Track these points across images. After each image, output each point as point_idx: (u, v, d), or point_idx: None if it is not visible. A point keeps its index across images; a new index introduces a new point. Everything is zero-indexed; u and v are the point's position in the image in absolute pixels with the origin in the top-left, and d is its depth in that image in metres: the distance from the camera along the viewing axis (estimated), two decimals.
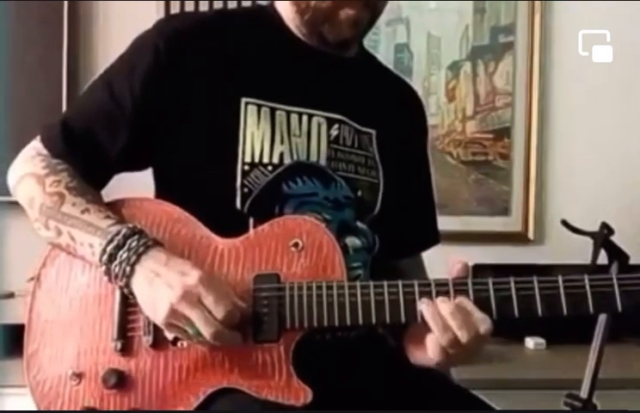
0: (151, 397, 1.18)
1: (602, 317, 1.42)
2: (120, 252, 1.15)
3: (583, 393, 1.41)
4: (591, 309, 1.14)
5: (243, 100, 1.26)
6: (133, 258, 1.15)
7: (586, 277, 1.14)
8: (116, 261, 1.15)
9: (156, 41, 1.27)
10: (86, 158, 1.28)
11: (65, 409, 1.20)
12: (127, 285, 1.16)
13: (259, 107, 1.27)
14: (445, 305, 1.12)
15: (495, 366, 2.15)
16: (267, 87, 1.28)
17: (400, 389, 1.28)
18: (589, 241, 1.41)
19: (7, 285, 2.25)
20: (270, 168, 1.25)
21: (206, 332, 1.10)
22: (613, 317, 1.41)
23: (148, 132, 1.27)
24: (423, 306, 1.13)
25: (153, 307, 1.14)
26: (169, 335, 1.17)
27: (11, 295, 2.22)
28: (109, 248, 1.16)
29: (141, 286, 1.14)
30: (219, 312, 1.10)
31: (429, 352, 1.14)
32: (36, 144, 1.31)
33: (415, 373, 1.28)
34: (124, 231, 1.17)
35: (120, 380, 1.18)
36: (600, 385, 1.42)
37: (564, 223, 1.46)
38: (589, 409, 1.39)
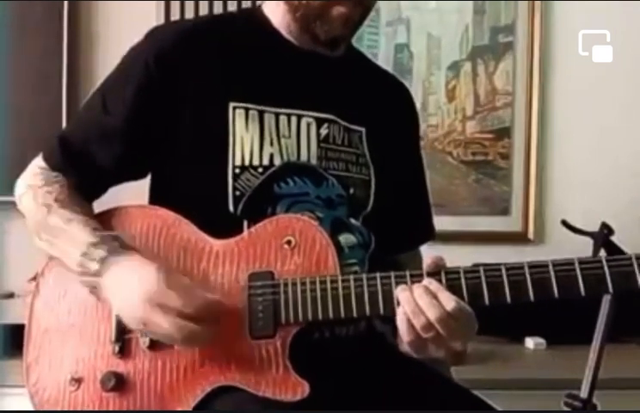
0: (150, 397, 1.19)
1: (602, 317, 1.42)
2: (90, 263, 1.18)
3: (583, 393, 1.41)
4: (582, 291, 1.14)
5: (231, 104, 1.28)
6: (101, 268, 1.17)
7: (576, 260, 1.15)
8: (87, 273, 1.18)
9: (145, 57, 1.29)
10: (81, 171, 1.30)
11: None
12: (97, 295, 1.19)
13: (247, 110, 1.28)
14: (416, 287, 1.14)
15: (495, 366, 2.15)
16: (254, 90, 1.29)
17: (400, 388, 1.28)
18: (589, 241, 1.41)
19: (7, 285, 2.26)
20: (261, 169, 1.26)
21: (179, 337, 1.12)
22: (614, 316, 1.41)
23: (141, 144, 1.29)
24: (399, 290, 1.14)
25: (125, 316, 1.17)
26: (144, 342, 1.20)
27: (11, 295, 2.22)
28: (81, 258, 1.18)
29: (110, 296, 1.17)
30: (188, 309, 1.11)
31: (400, 332, 1.14)
32: (39, 159, 1.34)
33: (414, 372, 1.28)
34: (93, 240, 1.19)
35: (118, 383, 1.19)
36: (599, 385, 1.42)
37: (564, 223, 1.46)
38: (589, 410, 1.39)
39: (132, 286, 1.14)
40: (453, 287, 1.14)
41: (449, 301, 1.12)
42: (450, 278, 1.15)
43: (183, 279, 1.17)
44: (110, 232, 1.22)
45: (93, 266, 1.18)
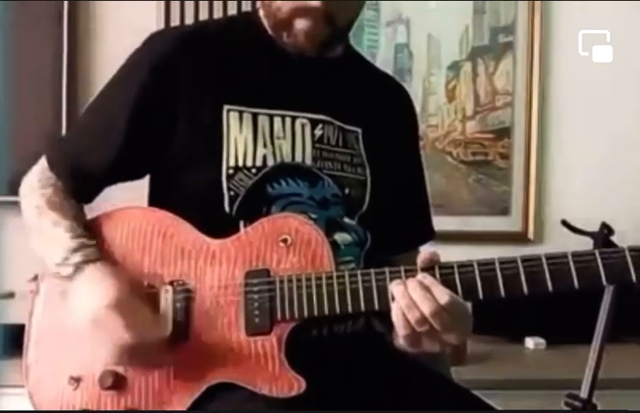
0: (148, 395, 1.20)
1: (602, 317, 1.42)
2: (66, 267, 1.22)
3: (583, 393, 1.41)
4: (576, 283, 1.15)
5: (225, 107, 1.29)
6: (70, 271, 1.21)
7: (569, 254, 1.16)
8: (61, 273, 1.22)
9: (143, 64, 1.31)
10: (74, 174, 1.32)
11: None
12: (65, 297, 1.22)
13: (240, 113, 1.29)
14: (410, 281, 1.14)
15: (495, 366, 2.15)
16: (249, 93, 1.31)
17: (399, 388, 1.28)
18: (589, 241, 1.41)
19: (7, 285, 2.26)
20: (254, 170, 1.27)
21: (115, 361, 1.17)
22: (614, 316, 1.41)
23: (138, 148, 1.31)
24: (393, 285, 1.15)
25: (77, 315, 1.19)
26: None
27: (11, 295, 2.22)
28: (60, 262, 1.22)
29: (72, 295, 1.21)
30: (127, 340, 1.15)
31: (396, 326, 1.15)
32: (44, 159, 1.36)
33: (413, 372, 1.28)
34: (73, 245, 1.23)
35: (116, 381, 1.20)
36: (599, 385, 1.42)
37: (564, 223, 1.46)
38: (589, 410, 1.39)
39: (96, 291, 1.18)
40: (447, 282, 1.15)
41: (443, 295, 1.12)
42: (444, 273, 1.16)
43: (134, 309, 1.18)
44: (90, 241, 1.24)
45: (67, 270, 1.22)
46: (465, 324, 1.16)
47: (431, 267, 1.16)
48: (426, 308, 1.12)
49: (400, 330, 1.14)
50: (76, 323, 1.19)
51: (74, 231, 1.25)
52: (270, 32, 1.35)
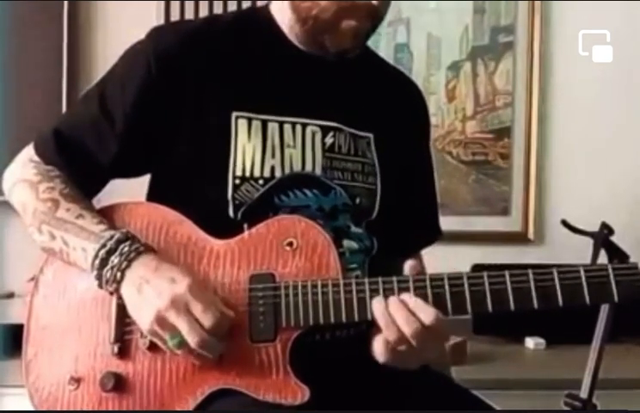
0: (149, 399, 1.18)
1: (602, 317, 1.42)
2: (112, 257, 1.16)
3: (583, 393, 1.41)
4: (587, 299, 1.13)
5: (234, 114, 1.26)
6: (124, 264, 1.15)
7: (581, 268, 1.14)
8: (107, 266, 1.16)
9: (147, 58, 1.27)
10: (77, 167, 1.28)
11: None
12: (117, 290, 1.16)
13: (249, 120, 1.26)
14: (392, 301, 1.14)
15: (495, 366, 2.15)
16: (258, 99, 1.27)
17: (400, 388, 1.27)
18: (589, 241, 1.41)
19: (7, 285, 2.26)
20: (261, 181, 1.25)
21: (192, 341, 1.11)
22: (614, 317, 1.41)
23: (139, 145, 1.28)
24: (375, 303, 1.15)
25: (140, 313, 1.14)
26: (144, 343, 1.18)
27: (11, 295, 2.23)
28: (101, 252, 1.16)
29: (130, 291, 1.15)
30: (207, 321, 1.11)
31: (376, 348, 1.16)
32: (29, 151, 1.32)
33: (415, 373, 1.28)
34: (117, 235, 1.17)
35: (117, 383, 1.18)
36: (600, 385, 1.42)
37: (564, 223, 1.46)
38: (589, 410, 1.39)
39: (158, 286, 1.13)
40: (457, 295, 1.14)
41: (428, 317, 1.12)
42: (453, 284, 1.15)
43: (207, 290, 1.16)
44: (128, 232, 1.19)
45: (117, 260, 1.15)
46: (443, 341, 1.18)
47: (440, 277, 1.15)
48: (407, 329, 1.12)
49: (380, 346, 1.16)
50: (148, 310, 1.12)
51: (103, 223, 1.21)
52: (299, 36, 1.31)
